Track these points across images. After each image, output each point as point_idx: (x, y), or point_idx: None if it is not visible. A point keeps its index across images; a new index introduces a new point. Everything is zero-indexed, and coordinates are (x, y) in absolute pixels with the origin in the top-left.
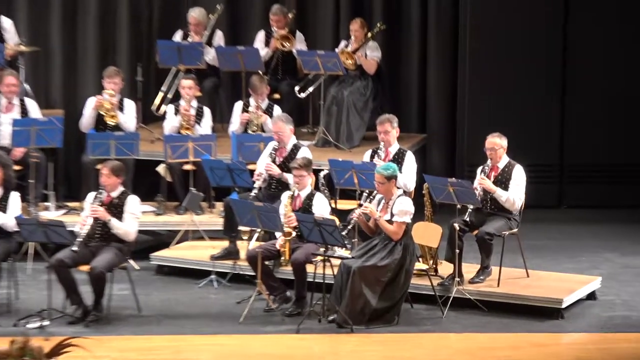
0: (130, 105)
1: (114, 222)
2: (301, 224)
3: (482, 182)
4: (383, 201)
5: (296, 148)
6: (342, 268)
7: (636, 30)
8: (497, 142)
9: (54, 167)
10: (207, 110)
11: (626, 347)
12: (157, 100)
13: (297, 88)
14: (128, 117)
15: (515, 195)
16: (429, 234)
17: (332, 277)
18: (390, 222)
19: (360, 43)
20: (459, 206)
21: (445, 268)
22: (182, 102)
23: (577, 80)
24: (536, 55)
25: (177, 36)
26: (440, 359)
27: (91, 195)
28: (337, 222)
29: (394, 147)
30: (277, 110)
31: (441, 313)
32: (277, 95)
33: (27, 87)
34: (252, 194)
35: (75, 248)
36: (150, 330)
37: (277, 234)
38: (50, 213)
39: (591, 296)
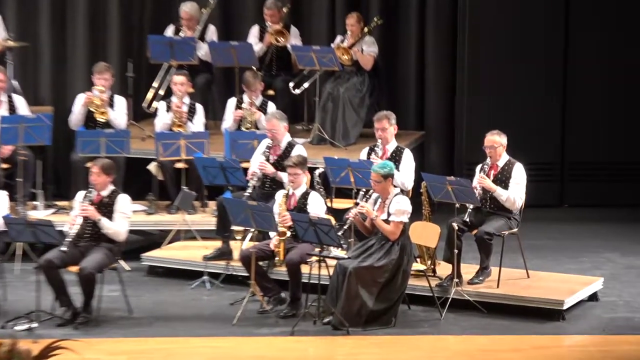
0: (120, 101)
1: (104, 222)
2: (296, 223)
3: (481, 181)
4: (380, 200)
5: (290, 146)
6: (338, 269)
7: (637, 28)
8: (496, 140)
9: (43, 165)
10: (199, 107)
11: (628, 349)
12: (149, 97)
13: (291, 84)
14: (118, 114)
15: (515, 194)
16: (426, 233)
17: (327, 278)
18: (387, 221)
19: (357, 38)
20: (457, 205)
21: (444, 269)
22: (174, 99)
23: (578, 76)
24: (537, 52)
25: (169, 31)
26: None
27: (81, 194)
28: (333, 221)
29: (392, 145)
30: (271, 106)
31: (439, 315)
32: (271, 92)
33: (15, 83)
34: (246, 193)
35: (64, 248)
36: (141, 332)
37: (272, 234)
38: (38, 212)
39: (593, 297)
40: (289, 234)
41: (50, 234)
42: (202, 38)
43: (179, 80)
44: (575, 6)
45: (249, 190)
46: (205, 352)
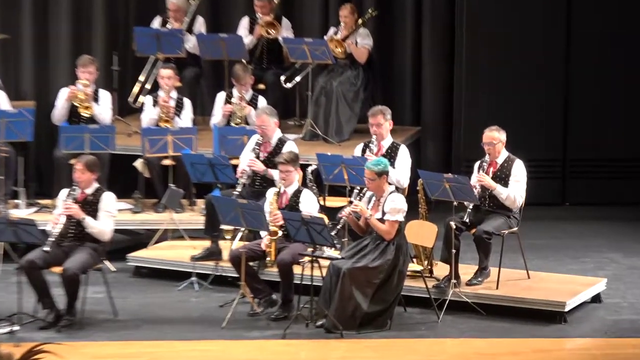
0: (105, 96)
1: (88, 221)
2: (288, 222)
3: (481, 179)
4: (374, 198)
5: (281, 142)
6: (332, 269)
7: (638, 24)
8: (495, 136)
9: (25, 162)
10: (187, 102)
11: (633, 353)
12: (134, 91)
13: (283, 78)
14: (103, 108)
15: (516, 192)
16: (423, 233)
17: (320, 279)
18: (382, 220)
19: (351, 30)
20: (455, 203)
21: (441, 269)
22: (160, 93)
23: (580, 72)
24: (537, 48)
25: (156, 23)
26: None
27: (64, 192)
28: (326, 220)
29: (387, 141)
30: (261, 101)
31: (436, 317)
32: (261, 86)
33: None
34: (236, 191)
35: (47, 248)
36: (127, 335)
37: (262, 233)
38: (20, 211)
39: (596, 299)
40: (280, 233)
41: (33, 234)
42: (190, 30)
43: (166, 74)
44: (577, 2)
45: (239, 188)
46: (193, 355)
